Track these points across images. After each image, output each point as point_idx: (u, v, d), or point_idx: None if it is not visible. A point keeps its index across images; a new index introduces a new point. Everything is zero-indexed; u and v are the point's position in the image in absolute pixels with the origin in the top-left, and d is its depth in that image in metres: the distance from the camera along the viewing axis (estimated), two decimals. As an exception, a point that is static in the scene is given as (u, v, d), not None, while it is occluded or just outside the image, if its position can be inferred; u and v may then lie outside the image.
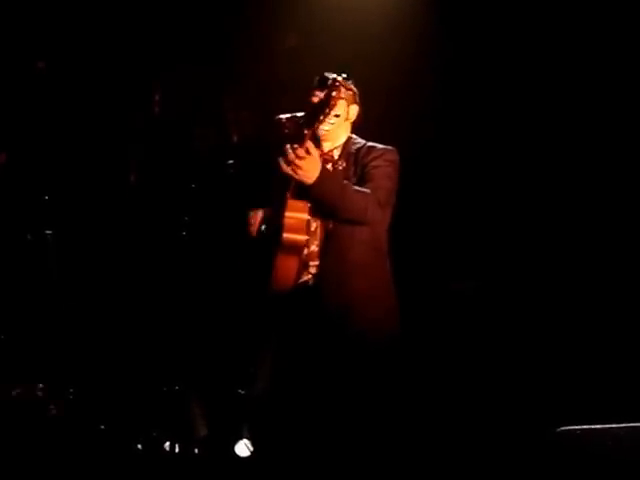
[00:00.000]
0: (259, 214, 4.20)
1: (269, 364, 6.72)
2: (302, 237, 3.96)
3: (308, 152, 3.78)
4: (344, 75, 4.04)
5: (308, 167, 3.79)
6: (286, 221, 3.95)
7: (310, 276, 4.05)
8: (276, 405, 4.17)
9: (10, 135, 6.09)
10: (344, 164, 4.05)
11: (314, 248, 4.05)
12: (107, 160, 6.55)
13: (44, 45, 6.13)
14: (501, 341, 5.27)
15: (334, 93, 3.77)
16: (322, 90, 3.90)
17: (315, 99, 4.00)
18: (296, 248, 3.97)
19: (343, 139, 4.12)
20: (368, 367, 3.98)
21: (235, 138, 6.15)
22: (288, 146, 3.82)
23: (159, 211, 6.08)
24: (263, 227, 4.17)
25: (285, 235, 3.94)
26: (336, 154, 4.10)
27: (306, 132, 3.86)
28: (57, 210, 5.49)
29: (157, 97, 6.26)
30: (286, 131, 4.19)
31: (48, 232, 5.22)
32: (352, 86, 4.10)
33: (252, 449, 6.49)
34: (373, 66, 5.68)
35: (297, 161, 3.78)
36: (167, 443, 6.47)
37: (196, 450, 6.27)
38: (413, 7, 6.05)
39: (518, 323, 5.31)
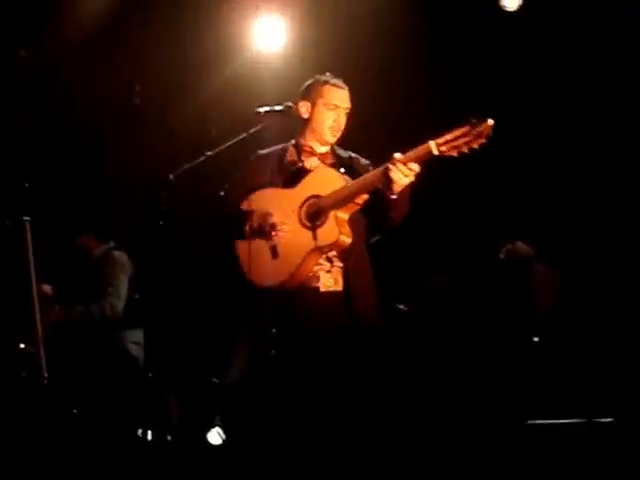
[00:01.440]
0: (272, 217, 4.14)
1: (244, 352, 6.83)
2: (350, 239, 4.03)
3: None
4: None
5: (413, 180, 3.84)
6: (340, 223, 3.99)
7: (325, 272, 4.10)
8: (259, 393, 4.21)
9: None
10: (335, 167, 4.15)
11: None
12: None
13: None
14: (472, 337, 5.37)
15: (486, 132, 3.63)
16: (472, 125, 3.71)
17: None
18: (339, 248, 4.04)
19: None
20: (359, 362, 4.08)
21: None
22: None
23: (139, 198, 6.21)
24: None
25: (342, 237, 3.98)
26: (328, 158, 4.25)
27: (432, 152, 3.74)
28: (37, 197, 5.54)
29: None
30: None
31: (26, 218, 5.26)
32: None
33: (224, 437, 6.59)
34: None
35: (411, 175, 3.79)
36: (140, 430, 6.56)
37: (169, 437, 6.32)
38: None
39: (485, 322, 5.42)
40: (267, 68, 6.14)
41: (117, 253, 5.90)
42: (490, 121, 3.61)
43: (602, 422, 4.05)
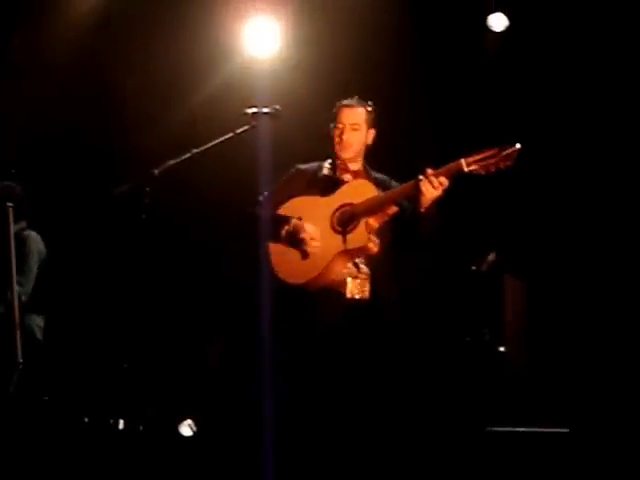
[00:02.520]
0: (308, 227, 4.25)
1: (221, 346, 6.89)
2: (377, 248, 4.17)
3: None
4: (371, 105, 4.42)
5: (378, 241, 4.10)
6: (369, 229, 4.15)
7: (353, 279, 4.21)
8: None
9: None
10: None
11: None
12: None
13: None
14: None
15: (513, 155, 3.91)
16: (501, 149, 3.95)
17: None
18: (365, 254, 4.18)
19: (361, 162, 4.42)
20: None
21: None
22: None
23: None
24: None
25: (370, 244, 4.14)
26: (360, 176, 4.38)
27: (461, 170, 3.97)
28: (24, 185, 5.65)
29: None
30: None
31: (9, 205, 5.37)
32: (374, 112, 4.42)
33: (196, 430, 6.65)
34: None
35: (440, 189, 3.98)
36: (112, 419, 6.61)
37: (140, 427, 6.37)
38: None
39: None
40: (261, 70, 6.17)
41: (31, 234, 5.66)
42: (518, 145, 3.87)
43: (559, 432, 4.19)
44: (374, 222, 4.16)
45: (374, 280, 4.22)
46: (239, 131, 4.49)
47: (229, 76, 6.54)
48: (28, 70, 6.63)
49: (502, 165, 3.89)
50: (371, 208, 4.15)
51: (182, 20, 6.59)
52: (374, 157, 4.50)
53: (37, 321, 5.64)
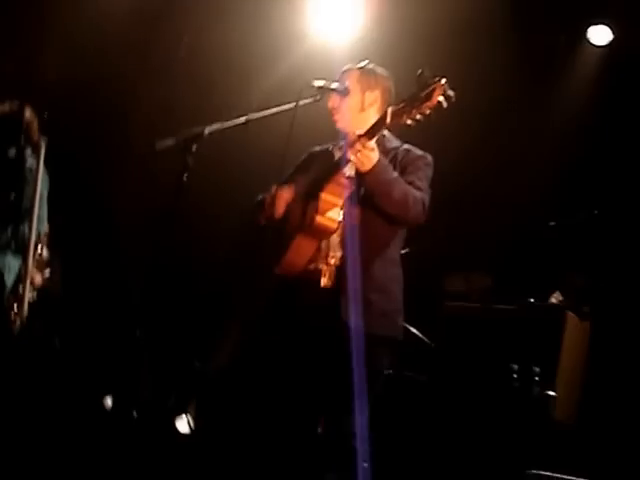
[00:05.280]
0: (285, 195, 4.21)
1: (231, 344, 6.75)
2: (333, 224, 3.99)
3: (373, 149, 3.86)
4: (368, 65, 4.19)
5: (373, 156, 3.86)
6: (321, 203, 3.98)
7: (326, 266, 4.05)
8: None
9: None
10: None
11: (335, 237, 4.05)
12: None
13: None
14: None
15: (438, 91, 3.72)
16: (421, 85, 3.81)
17: (372, 79, 4.16)
18: (322, 233, 4.00)
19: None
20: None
21: None
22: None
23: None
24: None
25: (318, 218, 3.96)
26: None
27: (387, 120, 3.86)
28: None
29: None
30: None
31: (44, 138, 5.10)
32: (375, 73, 4.20)
33: (193, 427, 6.47)
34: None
35: (365, 151, 3.84)
36: (107, 398, 6.44)
37: (135, 413, 6.21)
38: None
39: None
40: (337, 49, 6.03)
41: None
42: (442, 80, 3.70)
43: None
44: (327, 195, 3.98)
45: (341, 266, 4.01)
46: (302, 103, 4.22)
47: (303, 55, 6.46)
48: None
49: (428, 108, 3.72)
50: (320, 181, 4.03)
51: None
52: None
53: (12, 263, 5.22)
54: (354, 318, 3.95)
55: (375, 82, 4.20)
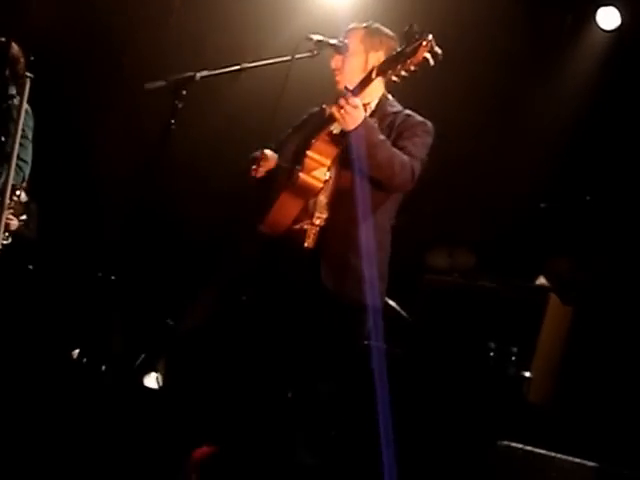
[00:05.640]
0: (267, 153, 4.15)
1: (205, 304, 6.70)
2: (318, 183, 3.91)
3: (357, 106, 3.77)
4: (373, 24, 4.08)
5: (356, 114, 3.78)
6: (307, 161, 3.91)
7: (311, 227, 3.98)
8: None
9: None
10: (376, 123, 3.97)
11: (322, 199, 3.98)
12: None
13: None
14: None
15: (423, 46, 3.65)
16: (407, 40, 3.75)
17: (376, 40, 4.04)
18: (307, 192, 3.93)
19: (374, 96, 4.06)
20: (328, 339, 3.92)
21: None
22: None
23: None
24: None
25: (302, 175, 3.89)
26: (368, 110, 4.04)
27: (373, 76, 3.81)
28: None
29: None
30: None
31: (29, 75, 4.98)
32: (380, 33, 4.08)
33: (161, 385, 6.43)
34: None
35: (348, 107, 3.75)
36: (76, 351, 6.40)
37: (103, 367, 6.17)
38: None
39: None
40: (343, 7, 5.96)
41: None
42: (429, 36, 3.63)
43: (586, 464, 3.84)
44: (313, 154, 3.92)
45: (324, 227, 3.96)
46: (298, 56, 4.13)
47: (305, 13, 6.39)
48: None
49: (413, 64, 3.66)
50: (308, 139, 3.97)
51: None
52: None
53: None
54: (333, 282, 3.89)
55: (379, 43, 4.07)
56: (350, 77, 3.99)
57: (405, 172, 3.86)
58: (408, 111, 4.08)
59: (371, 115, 4.02)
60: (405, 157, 3.87)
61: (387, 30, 4.14)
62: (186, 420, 5.28)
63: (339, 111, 3.77)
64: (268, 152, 4.16)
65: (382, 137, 3.87)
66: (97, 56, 6.61)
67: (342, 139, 3.89)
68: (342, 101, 3.76)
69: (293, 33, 6.08)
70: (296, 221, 3.98)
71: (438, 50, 3.69)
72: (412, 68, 3.69)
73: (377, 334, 4.03)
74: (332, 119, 3.89)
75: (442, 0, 6.18)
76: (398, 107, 4.10)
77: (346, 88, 3.85)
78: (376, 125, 3.92)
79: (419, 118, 4.05)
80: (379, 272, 4.00)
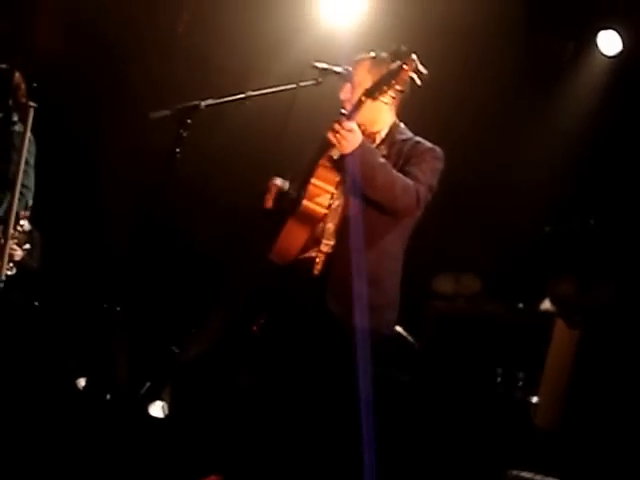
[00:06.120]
0: (277, 182, 4.17)
1: (211, 330, 6.70)
2: (321, 209, 3.93)
3: (352, 129, 3.79)
4: (382, 54, 4.05)
5: (352, 137, 3.79)
6: (310, 188, 3.92)
7: (319, 254, 3.98)
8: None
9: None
10: (385, 151, 4.01)
11: (330, 226, 3.98)
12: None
13: None
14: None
15: (406, 67, 3.73)
16: (393, 61, 3.85)
17: (383, 69, 3.95)
18: (311, 219, 3.94)
19: (384, 123, 4.09)
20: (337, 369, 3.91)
21: None
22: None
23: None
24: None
25: (305, 202, 3.91)
26: (377, 139, 4.07)
27: (362, 99, 3.83)
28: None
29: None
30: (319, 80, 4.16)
31: (32, 104, 5.01)
32: (388, 61, 4.03)
33: (167, 413, 6.42)
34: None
35: (342, 131, 3.78)
36: (81, 380, 6.39)
37: (108, 396, 6.17)
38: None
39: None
40: (344, 39, 5.99)
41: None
42: (413, 56, 3.69)
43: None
44: (316, 180, 3.94)
45: (331, 255, 3.95)
46: (303, 84, 4.19)
47: (308, 40, 6.40)
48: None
49: (399, 84, 3.72)
50: (311, 166, 4.00)
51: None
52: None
53: None
54: (338, 308, 3.90)
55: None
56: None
57: (408, 196, 3.86)
58: (418, 138, 4.08)
59: (381, 143, 4.05)
60: (409, 181, 3.87)
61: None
62: (193, 449, 5.27)
63: (335, 136, 3.79)
64: (278, 181, 4.18)
65: (382, 160, 3.88)
66: (100, 83, 6.63)
67: (342, 164, 3.90)
68: (336, 126, 3.78)
69: (298, 55, 6.14)
70: (304, 249, 3.99)
71: (423, 70, 3.73)
72: (398, 88, 3.75)
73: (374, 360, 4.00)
74: (330, 144, 3.90)
75: (444, 25, 6.20)
76: (408, 134, 4.11)
77: (341, 113, 3.89)
78: (378, 150, 3.96)
79: (428, 144, 4.05)
80: (388, 300, 4.00)
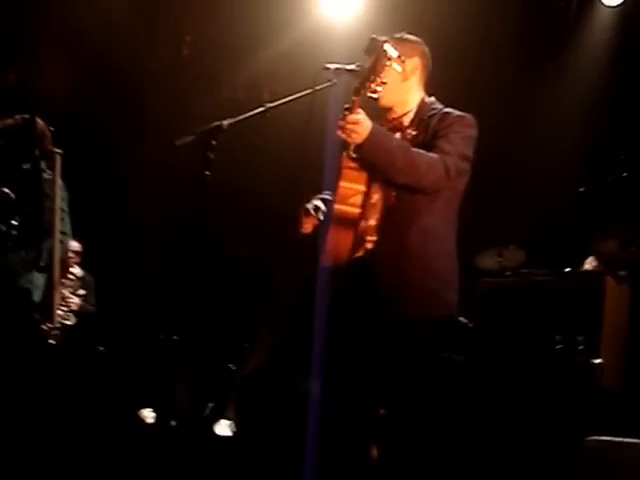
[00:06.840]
0: (309, 206, 4.14)
1: (265, 342, 6.76)
2: (352, 209, 3.92)
3: (357, 121, 3.78)
4: (399, 35, 4.07)
5: (359, 128, 3.79)
6: (340, 191, 3.93)
7: (366, 252, 3.97)
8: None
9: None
10: (414, 132, 4.01)
11: (372, 222, 3.96)
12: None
13: None
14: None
15: (380, 58, 3.73)
16: (370, 55, 3.87)
17: (366, 64, 3.96)
18: (348, 220, 3.92)
19: (413, 103, 4.08)
20: (405, 358, 3.89)
21: None
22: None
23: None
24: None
25: (337, 206, 3.92)
26: (406, 121, 4.06)
27: (354, 99, 3.83)
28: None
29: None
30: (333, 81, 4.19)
31: (58, 151, 5.11)
32: (409, 40, 4.10)
33: (235, 430, 6.48)
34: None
35: (348, 125, 3.78)
36: (144, 410, 6.48)
37: (173, 422, 6.25)
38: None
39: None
40: (341, 32, 6.02)
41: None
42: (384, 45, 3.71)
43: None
44: (343, 183, 3.94)
45: (375, 252, 3.94)
46: (319, 87, 4.17)
47: (302, 35, 6.47)
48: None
49: (379, 74, 3.74)
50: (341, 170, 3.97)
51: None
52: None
53: (39, 280, 5.08)
54: (391, 301, 3.90)
55: (411, 49, 4.07)
56: (390, 89, 3.96)
57: (434, 171, 3.83)
58: (447, 109, 4.05)
59: (410, 124, 4.04)
60: (433, 155, 3.85)
61: (412, 36, 4.16)
62: (264, 462, 5.32)
63: (343, 132, 3.81)
64: (311, 206, 4.15)
65: (399, 142, 3.89)
66: (117, 118, 6.71)
67: (362, 159, 3.90)
68: (341, 122, 3.81)
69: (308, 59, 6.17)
70: (353, 250, 3.96)
71: (393, 54, 3.74)
72: (383, 80, 3.74)
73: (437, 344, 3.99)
74: (345, 143, 3.90)
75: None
76: (437, 107, 4.08)
77: (345, 108, 3.87)
78: (407, 130, 3.98)
79: (457, 113, 4.01)
80: (440, 282, 3.96)
